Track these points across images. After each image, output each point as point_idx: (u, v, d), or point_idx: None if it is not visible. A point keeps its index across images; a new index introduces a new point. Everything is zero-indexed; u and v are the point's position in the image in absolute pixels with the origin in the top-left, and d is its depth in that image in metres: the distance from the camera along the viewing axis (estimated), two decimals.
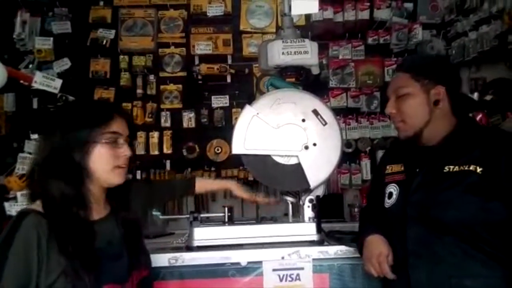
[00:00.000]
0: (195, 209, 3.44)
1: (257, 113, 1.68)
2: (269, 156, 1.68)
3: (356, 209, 3.45)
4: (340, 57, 3.79)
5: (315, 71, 1.95)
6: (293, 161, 1.68)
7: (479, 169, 1.27)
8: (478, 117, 1.94)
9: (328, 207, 3.55)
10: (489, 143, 1.32)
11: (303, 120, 1.68)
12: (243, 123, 1.68)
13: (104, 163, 1.21)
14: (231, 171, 3.70)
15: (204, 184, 1.78)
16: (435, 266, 1.30)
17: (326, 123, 1.69)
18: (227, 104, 3.73)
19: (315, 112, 1.69)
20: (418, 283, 1.32)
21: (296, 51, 1.84)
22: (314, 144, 1.68)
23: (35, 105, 3.70)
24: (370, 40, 3.76)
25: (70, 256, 1.11)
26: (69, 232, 1.13)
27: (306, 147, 1.67)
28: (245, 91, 3.76)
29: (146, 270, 1.30)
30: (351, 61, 3.79)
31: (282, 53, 1.83)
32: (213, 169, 3.73)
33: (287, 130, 1.67)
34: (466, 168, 1.29)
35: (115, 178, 1.24)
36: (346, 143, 3.72)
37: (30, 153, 3.23)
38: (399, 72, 1.46)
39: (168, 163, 3.74)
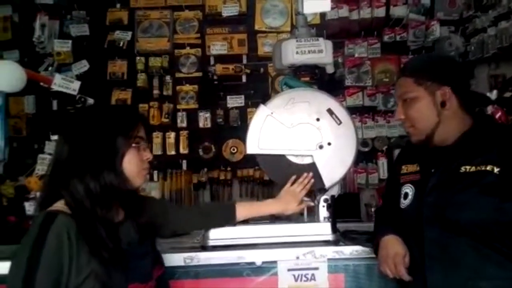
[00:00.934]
0: None
1: (271, 113, 1.68)
2: (283, 155, 1.67)
3: (372, 209, 3.41)
4: (356, 55, 3.77)
5: (330, 70, 1.94)
6: (307, 160, 1.67)
7: (496, 169, 1.25)
8: (498, 115, 1.90)
9: (345, 207, 3.52)
10: (507, 142, 1.29)
11: (318, 120, 1.67)
12: (258, 123, 1.68)
13: (134, 167, 1.23)
14: (247, 171, 3.71)
15: (246, 212, 1.60)
16: (451, 268, 1.28)
17: (341, 122, 1.68)
18: (243, 104, 3.75)
19: (330, 111, 1.68)
20: (435, 285, 1.30)
21: (310, 50, 1.83)
22: (329, 144, 1.67)
23: (54, 107, 3.78)
24: (386, 38, 3.72)
25: (101, 257, 1.12)
26: (99, 234, 1.15)
27: (321, 147, 1.66)
28: (260, 91, 3.77)
29: (161, 269, 1.33)
30: (367, 59, 3.76)
31: (296, 52, 1.82)
32: (229, 169, 3.75)
33: (301, 130, 1.67)
34: (483, 169, 1.27)
35: (139, 180, 1.27)
36: (362, 142, 3.69)
37: (50, 154, 3.31)
38: (402, 76, 1.44)
39: (184, 163, 3.77)
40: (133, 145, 1.23)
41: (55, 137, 3.58)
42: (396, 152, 3.57)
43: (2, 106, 2.09)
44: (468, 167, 1.30)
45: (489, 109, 1.95)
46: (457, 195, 1.29)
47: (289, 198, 1.63)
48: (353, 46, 3.76)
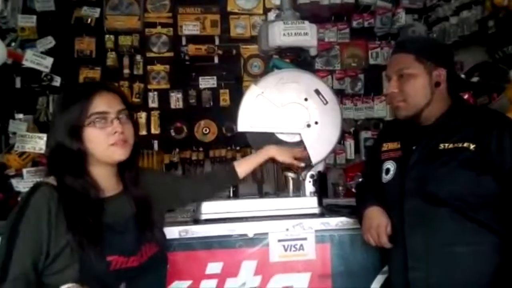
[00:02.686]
0: None
1: (262, 92, 1.74)
2: (273, 133, 1.75)
3: (340, 188, 3.57)
4: (326, 39, 3.86)
5: (313, 52, 2.03)
6: (296, 138, 1.75)
7: (472, 146, 1.37)
8: (465, 97, 2.05)
9: (320, 186, 3.66)
10: (482, 121, 1.42)
11: (306, 99, 1.76)
12: (249, 102, 1.74)
13: (98, 143, 1.23)
14: (219, 152, 3.75)
15: (245, 166, 1.63)
16: (429, 235, 1.40)
17: (327, 102, 1.77)
18: (215, 85, 3.76)
19: (317, 92, 1.76)
20: (414, 251, 1.42)
21: (296, 32, 1.90)
22: (316, 123, 1.76)
23: (18, 85, 3.63)
24: (355, 24, 3.84)
25: (75, 229, 1.16)
26: (77, 207, 1.18)
27: (308, 125, 1.75)
28: (232, 72, 3.80)
29: (157, 246, 1.32)
30: (336, 44, 3.88)
31: (283, 34, 1.89)
32: (201, 149, 3.78)
33: (290, 109, 1.74)
34: (460, 145, 1.38)
35: (114, 155, 1.26)
36: None
37: (14, 133, 3.19)
38: (401, 53, 1.51)
39: (156, 143, 3.75)
40: (88, 122, 1.22)
41: (20, 116, 3.46)
42: (363, 133, 3.75)
43: None
44: (446, 144, 1.41)
45: None
46: (437, 170, 1.40)
47: (285, 149, 1.68)
48: (323, 31, 3.85)
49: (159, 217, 1.42)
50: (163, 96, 3.76)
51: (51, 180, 1.23)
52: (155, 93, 3.75)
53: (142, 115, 3.72)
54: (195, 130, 3.76)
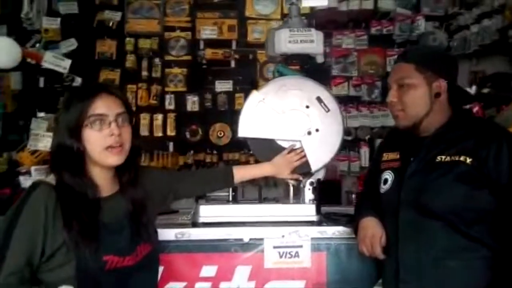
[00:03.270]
0: None
1: (263, 99, 1.75)
2: (273, 140, 1.75)
3: (353, 195, 3.54)
4: (343, 46, 3.86)
5: (320, 59, 2.02)
6: (296, 145, 1.75)
7: (468, 160, 1.34)
8: (475, 109, 2.01)
9: (326, 193, 3.64)
10: (481, 135, 1.38)
11: (307, 107, 1.76)
12: (250, 108, 1.75)
13: (94, 145, 1.26)
14: (233, 155, 3.79)
15: (243, 173, 1.68)
16: (422, 248, 1.38)
17: (329, 110, 1.76)
18: (231, 89, 3.80)
19: (319, 99, 1.76)
20: (406, 263, 1.40)
21: (302, 39, 1.91)
22: (317, 130, 1.75)
23: (41, 84, 3.76)
24: (373, 30, 3.82)
25: (71, 228, 1.19)
26: (74, 206, 1.21)
27: (309, 133, 1.75)
28: (248, 77, 3.83)
29: (151, 246, 1.35)
30: (354, 51, 3.86)
31: (289, 41, 1.89)
32: (215, 152, 3.82)
33: (291, 116, 1.75)
34: (457, 159, 1.36)
35: (108, 159, 1.27)
36: (346, 131, 3.79)
37: (37, 132, 3.31)
38: (402, 62, 1.48)
39: (171, 145, 3.82)
40: (86, 123, 1.24)
41: (41, 114, 3.58)
42: (378, 141, 3.70)
43: None
44: (443, 156, 1.39)
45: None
46: (432, 182, 1.38)
47: (284, 164, 1.71)
48: (340, 37, 3.85)
49: (153, 216, 1.45)
50: (180, 99, 3.83)
51: (50, 179, 1.27)
52: (172, 95, 3.82)
53: (159, 117, 3.80)
54: (210, 133, 3.81)
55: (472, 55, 3.48)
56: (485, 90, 2.03)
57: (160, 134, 3.78)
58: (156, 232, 1.42)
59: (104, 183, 1.32)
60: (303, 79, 1.81)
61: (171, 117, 3.81)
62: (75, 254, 1.18)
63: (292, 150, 1.73)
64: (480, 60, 3.54)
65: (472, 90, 2.11)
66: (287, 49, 1.91)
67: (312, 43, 1.92)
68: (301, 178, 1.75)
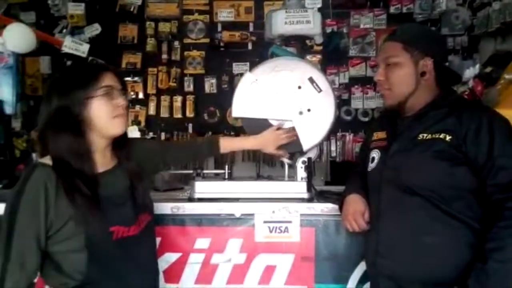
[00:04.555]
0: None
1: (256, 79, 1.80)
2: (266, 119, 1.81)
3: None
4: (361, 26, 3.81)
5: (318, 40, 2.04)
6: (288, 125, 1.80)
7: (448, 137, 1.35)
8: (478, 88, 1.98)
9: (341, 174, 3.66)
10: (462, 114, 1.38)
11: (299, 87, 1.79)
12: (243, 89, 1.81)
13: (104, 114, 1.33)
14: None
15: (229, 143, 1.72)
16: (401, 224, 1.41)
17: (321, 90, 1.79)
18: (248, 71, 3.83)
19: (311, 80, 1.79)
20: (385, 238, 1.44)
21: (298, 20, 1.93)
22: (309, 110, 1.79)
23: None
24: (392, 9, 3.75)
25: (77, 204, 1.26)
26: (74, 182, 1.28)
27: (301, 113, 1.79)
28: (265, 58, 3.78)
29: (150, 215, 1.45)
30: (372, 30, 3.80)
31: (285, 22, 1.93)
32: (232, 133, 3.90)
33: (283, 96, 1.79)
34: (436, 136, 1.37)
35: (116, 128, 1.35)
36: (362, 112, 3.80)
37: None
38: (390, 41, 1.48)
39: (190, 126, 3.95)
40: (99, 93, 1.31)
41: None
42: None
43: (13, 66, 2.26)
44: (425, 135, 1.40)
45: (470, 82, 2.03)
46: (412, 160, 1.40)
47: (271, 139, 1.75)
48: (358, 17, 3.80)
49: (148, 185, 1.53)
50: (198, 81, 3.93)
51: (47, 160, 1.33)
52: (191, 78, 3.92)
53: (178, 99, 3.92)
54: (227, 114, 3.89)
55: (496, 33, 3.35)
56: (488, 69, 1.99)
57: (179, 116, 3.91)
58: (151, 202, 1.50)
59: (102, 157, 1.39)
60: (296, 59, 1.85)
61: (190, 99, 3.92)
62: (84, 227, 1.26)
63: (280, 128, 1.77)
64: (505, 39, 3.41)
65: (476, 69, 2.07)
66: (283, 30, 1.95)
67: (308, 23, 1.94)
68: (286, 156, 1.80)
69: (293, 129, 1.78)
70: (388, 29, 3.77)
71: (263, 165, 3.91)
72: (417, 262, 1.37)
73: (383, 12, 3.78)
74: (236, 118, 1.83)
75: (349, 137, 3.84)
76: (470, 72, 2.14)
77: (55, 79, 1.37)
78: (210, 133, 3.92)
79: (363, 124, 3.79)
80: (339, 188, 2.03)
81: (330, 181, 3.74)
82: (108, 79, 1.35)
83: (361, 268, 1.72)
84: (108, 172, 1.40)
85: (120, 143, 1.43)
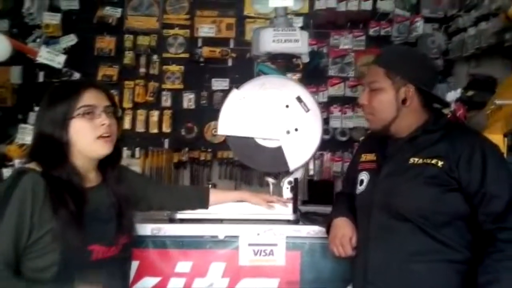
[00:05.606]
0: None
1: (243, 97, 1.76)
2: (252, 138, 1.76)
3: None
4: (341, 46, 3.85)
5: (305, 59, 2.02)
6: (275, 144, 1.76)
7: (440, 163, 1.33)
8: (459, 112, 2.00)
9: (319, 193, 3.66)
10: (454, 139, 1.37)
11: (287, 106, 1.76)
12: (230, 106, 1.76)
13: (84, 136, 1.28)
14: (227, 153, 3.80)
15: (218, 198, 1.70)
16: (390, 250, 1.38)
17: (308, 110, 1.76)
18: (227, 88, 3.81)
19: (299, 99, 1.76)
20: (374, 265, 1.40)
21: (286, 39, 1.91)
22: (296, 129, 1.76)
23: (41, 79, 3.81)
24: (371, 31, 3.80)
25: (60, 216, 1.20)
26: (62, 195, 1.23)
27: (288, 132, 1.76)
28: (245, 75, 3.71)
29: (129, 237, 1.39)
30: (352, 51, 3.85)
31: (273, 40, 1.90)
32: (209, 150, 3.84)
33: (270, 115, 1.75)
34: (428, 162, 1.35)
35: (100, 149, 1.31)
36: (341, 132, 3.81)
37: (32, 125, 3.37)
38: (375, 64, 1.47)
39: (166, 141, 3.85)
40: (77, 113, 1.27)
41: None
42: None
43: None
44: (416, 159, 1.38)
45: (452, 105, 2.06)
46: (403, 185, 1.38)
47: (262, 199, 1.73)
48: (338, 37, 3.84)
49: (134, 211, 1.47)
50: (176, 96, 3.86)
51: (34, 165, 1.27)
52: (169, 92, 3.85)
53: (155, 114, 3.83)
54: (205, 131, 3.83)
55: (471, 57, 3.45)
56: (470, 93, 2.02)
57: (155, 131, 3.81)
58: (134, 224, 1.45)
59: (87, 175, 1.34)
60: (283, 78, 1.82)
61: (167, 114, 3.84)
62: (61, 243, 1.20)
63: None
64: (480, 63, 3.51)
65: (457, 93, 2.10)
66: (271, 48, 1.92)
67: (296, 42, 1.92)
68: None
69: (275, 152, 1.74)
70: (367, 50, 3.84)
71: (241, 183, 3.86)
72: None
73: (362, 33, 3.84)
74: (223, 136, 1.76)
75: (326, 156, 3.83)
76: (451, 95, 2.17)
77: (42, 100, 1.33)
78: (186, 149, 3.85)
79: (341, 144, 3.80)
80: (323, 209, 2.01)
81: (307, 200, 3.71)
82: (89, 98, 1.30)
83: None
84: (93, 189, 1.34)
85: (107, 161, 1.37)
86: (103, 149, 1.31)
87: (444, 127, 1.44)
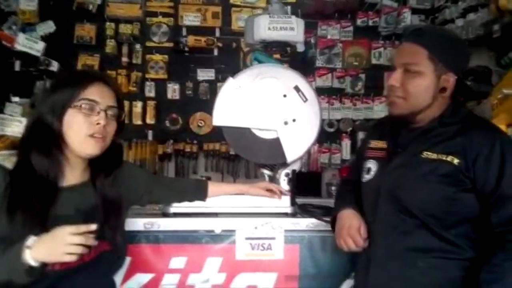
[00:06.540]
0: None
1: (239, 86, 1.69)
2: (248, 129, 1.70)
3: (333, 188, 3.51)
4: (329, 37, 3.81)
5: (300, 48, 1.96)
6: (272, 135, 1.70)
7: (456, 160, 1.25)
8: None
9: (307, 185, 3.62)
10: (472, 135, 1.28)
11: (284, 96, 1.70)
12: (225, 95, 1.70)
13: (77, 130, 1.20)
14: (213, 145, 3.73)
15: (216, 190, 1.64)
16: (395, 244, 1.33)
17: (306, 100, 1.71)
18: (213, 78, 3.73)
19: (297, 89, 1.71)
20: (377, 257, 1.36)
21: (282, 27, 1.84)
22: (294, 120, 1.70)
23: (17, 68, 3.63)
24: (359, 22, 3.78)
25: (14, 218, 1.12)
26: (26, 193, 1.15)
27: (286, 123, 1.70)
28: (231, 66, 3.73)
29: (109, 245, 1.25)
30: (339, 42, 3.81)
31: (268, 28, 1.83)
32: (195, 142, 3.75)
33: (267, 105, 1.69)
34: (443, 158, 1.27)
35: (88, 148, 1.22)
36: (328, 123, 3.78)
37: (11, 115, 3.22)
38: (415, 44, 1.31)
39: (150, 133, 3.75)
40: (75, 105, 1.20)
41: (16, 99, 3.47)
42: (360, 134, 3.68)
43: None
44: (430, 153, 1.30)
45: None
46: (413, 180, 1.31)
47: (261, 186, 1.68)
48: (326, 28, 3.80)
49: (124, 218, 1.37)
50: (160, 86, 3.75)
51: (7, 163, 1.20)
52: (153, 83, 3.73)
53: (138, 105, 3.71)
54: (190, 122, 3.74)
55: None
56: (467, 83, 1.99)
57: (139, 122, 3.70)
58: (124, 237, 1.33)
59: (72, 172, 1.26)
60: (281, 67, 1.76)
61: (151, 105, 3.72)
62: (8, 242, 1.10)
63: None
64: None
65: None
66: (266, 36, 1.84)
67: (292, 30, 1.85)
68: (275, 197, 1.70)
69: (272, 143, 1.69)
70: (354, 40, 3.81)
71: (227, 176, 3.80)
72: (409, 285, 1.31)
73: (350, 24, 3.80)
74: (219, 127, 1.70)
75: (314, 147, 3.80)
76: None
77: (50, 82, 1.26)
78: (171, 141, 3.75)
79: (329, 135, 3.77)
80: (319, 201, 1.97)
81: (295, 192, 3.67)
82: (93, 92, 1.22)
83: (346, 285, 1.64)
84: (72, 188, 1.24)
85: (97, 163, 1.28)
86: (91, 148, 1.22)
87: (463, 120, 1.34)
